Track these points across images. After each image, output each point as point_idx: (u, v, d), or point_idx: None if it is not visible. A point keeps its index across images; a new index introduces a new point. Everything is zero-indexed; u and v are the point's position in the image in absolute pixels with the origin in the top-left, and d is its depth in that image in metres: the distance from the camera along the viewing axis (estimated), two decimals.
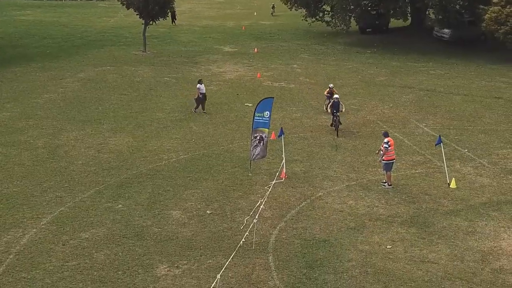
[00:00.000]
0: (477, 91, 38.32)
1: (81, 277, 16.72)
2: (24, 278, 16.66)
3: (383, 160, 22.85)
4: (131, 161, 25.38)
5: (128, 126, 30.09)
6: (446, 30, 52.69)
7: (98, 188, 22.62)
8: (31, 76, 40.54)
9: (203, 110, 32.08)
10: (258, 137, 23.85)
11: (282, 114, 31.75)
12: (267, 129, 23.86)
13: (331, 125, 29.58)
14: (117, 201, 21.49)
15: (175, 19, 61.24)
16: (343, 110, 29.38)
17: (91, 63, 44.91)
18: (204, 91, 31.95)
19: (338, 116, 28.74)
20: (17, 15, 68.46)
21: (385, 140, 22.78)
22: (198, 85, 31.96)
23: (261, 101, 24.03)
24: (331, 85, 32.97)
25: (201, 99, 32.00)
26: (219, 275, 15.51)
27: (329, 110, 30.57)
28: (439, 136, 24.25)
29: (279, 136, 24.70)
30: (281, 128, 25.19)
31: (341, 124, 28.86)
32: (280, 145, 24.75)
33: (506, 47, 45.91)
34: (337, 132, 28.67)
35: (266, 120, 23.76)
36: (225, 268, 16.50)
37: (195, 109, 32.18)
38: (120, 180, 23.34)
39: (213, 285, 15.36)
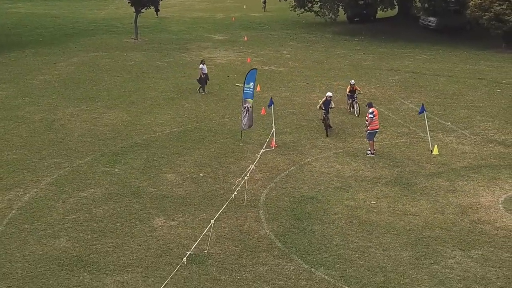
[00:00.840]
0: (461, 73, 39.40)
1: (81, 228, 17.59)
2: (27, 229, 17.50)
3: (368, 129, 23.81)
4: (125, 133, 26.24)
5: (122, 103, 30.93)
6: (432, 19, 53.83)
7: (94, 156, 23.49)
8: (26, 60, 41.29)
9: (203, 91, 32.79)
10: (246, 108, 24.80)
11: (272, 93, 32.61)
12: (251, 100, 24.81)
13: (322, 120, 27.24)
14: (113, 166, 22.37)
15: (158, 11, 61.81)
16: (333, 106, 26.87)
17: (83, 49, 45.70)
18: (206, 72, 32.79)
19: (328, 118, 26.38)
20: (8, 8, 69.05)
21: (370, 110, 23.76)
22: (201, 65, 32.80)
23: (248, 72, 24.97)
24: (352, 81, 29.46)
25: (204, 80, 32.79)
26: (212, 220, 16.42)
27: (347, 107, 29.67)
28: (422, 104, 25.28)
29: (269, 106, 25.60)
30: (271, 98, 26.12)
31: (331, 127, 26.61)
32: (270, 116, 25.62)
33: (490, 35, 47.02)
34: (327, 131, 26.38)
35: (251, 91, 24.75)
36: (218, 220, 17.38)
37: (202, 89, 32.84)
38: (116, 149, 24.22)
39: (206, 229, 16.24)
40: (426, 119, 24.83)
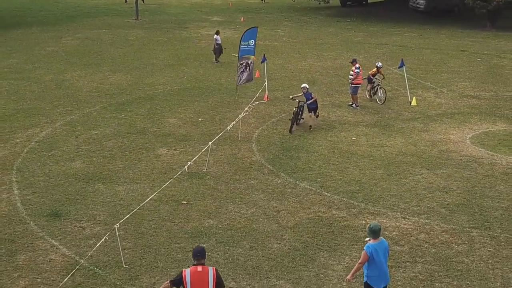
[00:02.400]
0: (445, 47, 41.74)
1: (94, 154, 19.93)
2: (46, 155, 19.82)
3: (353, 83, 26.12)
4: (130, 90, 28.56)
5: (125, 68, 33.24)
6: (421, 1, 56.22)
7: (102, 105, 25.81)
8: (33, 36, 43.54)
9: (216, 60, 35.03)
10: (244, 64, 27.00)
11: (266, 64, 34.82)
12: (252, 56, 27.05)
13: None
14: (120, 113, 24.70)
15: None
16: (315, 98, 22.89)
17: (87, 27, 47.94)
18: (220, 42, 34.99)
19: (302, 114, 23.13)
20: None
21: (357, 65, 26.03)
22: (215, 36, 35.01)
23: (246, 31, 27.18)
24: (379, 64, 26.65)
25: (218, 50, 35.05)
26: (210, 142, 18.76)
27: (366, 94, 27.06)
28: (402, 59, 27.61)
29: (261, 62, 27.89)
30: (264, 54, 28.42)
31: (311, 127, 22.86)
32: (264, 75, 27.88)
33: (476, 15, 49.40)
34: (292, 126, 22.50)
35: (251, 48, 26.93)
36: (214, 150, 19.68)
37: (216, 59, 35.05)
38: (122, 101, 26.54)
39: (204, 149, 18.59)
40: (405, 73, 27.13)
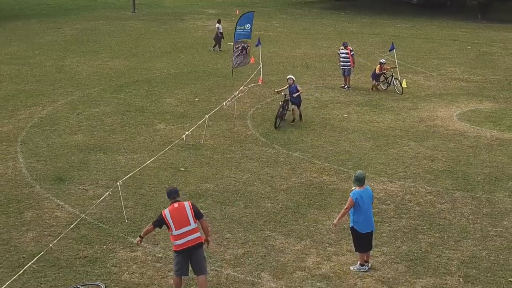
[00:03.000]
0: (437, 36, 42.64)
1: (95, 129, 20.74)
2: (48, 129, 20.63)
3: (346, 65, 26.91)
4: (128, 74, 29.38)
5: (123, 55, 34.05)
6: None
7: (102, 87, 26.62)
8: (32, 26, 44.32)
9: (220, 48, 35.82)
10: (240, 47, 27.86)
11: (261, 49, 35.65)
12: (249, 40, 27.89)
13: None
14: (119, 94, 25.51)
15: None
16: (301, 91, 21.71)
17: (85, 19, 48.72)
18: (222, 30, 35.78)
19: (286, 109, 21.72)
20: None
21: (350, 48, 26.85)
22: (217, 24, 35.83)
23: (242, 15, 28.00)
24: (382, 60, 26.26)
25: (219, 38, 35.85)
26: (207, 115, 19.60)
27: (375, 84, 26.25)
28: (392, 43, 28.47)
29: (256, 45, 28.71)
30: (258, 38, 29.25)
31: (298, 119, 21.67)
32: (258, 59, 28.69)
33: (468, 8, 50.31)
34: (277, 121, 21.17)
35: (248, 32, 27.79)
36: (210, 126, 20.48)
37: (218, 47, 35.86)
38: (121, 83, 27.35)
39: (200, 121, 19.42)
40: (395, 56, 27.97)
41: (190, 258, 10.50)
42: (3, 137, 19.58)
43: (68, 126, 20.84)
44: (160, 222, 10.51)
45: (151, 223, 10.80)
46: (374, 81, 26.31)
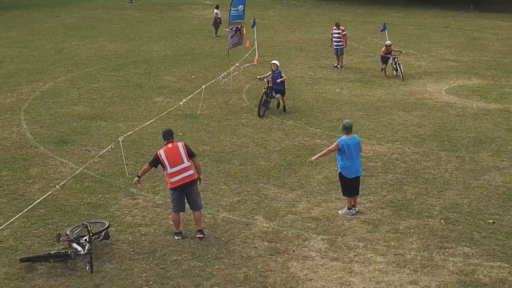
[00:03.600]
0: (429, 24, 43.44)
1: (95, 101, 21.49)
2: (50, 101, 21.37)
3: (339, 45, 27.69)
4: (126, 55, 30.12)
5: (121, 39, 34.78)
6: None
7: (101, 66, 27.36)
8: (31, 15, 45.00)
9: (216, 33, 36.53)
10: (234, 29, 28.57)
11: (256, 33, 36.41)
12: (242, 20, 28.62)
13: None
14: (118, 72, 26.25)
15: None
16: (285, 78, 20.41)
17: (83, 9, 49.42)
18: (220, 16, 36.45)
19: (269, 98, 20.14)
20: None
21: (343, 28, 27.63)
22: (215, 10, 36.52)
23: None
24: (388, 42, 25.78)
25: (218, 23, 36.55)
26: (204, 86, 20.35)
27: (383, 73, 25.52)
28: (384, 23, 29.24)
29: (252, 27, 29.44)
30: (254, 19, 30.01)
31: (285, 110, 20.25)
32: (253, 41, 29.42)
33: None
34: (260, 109, 19.78)
35: (241, 13, 28.46)
36: (206, 99, 21.22)
37: (215, 32, 36.55)
38: (119, 63, 28.09)
39: (197, 91, 20.18)
40: (387, 36, 28.75)
41: (185, 194, 11.28)
42: (6, 107, 20.32)
43: (69, 99, 21.56)
44: (156, 161, 11.29)
45: (147, 163, 11.56)
46: (383, 64, 25.73)
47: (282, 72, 20.27)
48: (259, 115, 19.64)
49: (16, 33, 36.07)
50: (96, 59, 28.77)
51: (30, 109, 20.14)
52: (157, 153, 11.37)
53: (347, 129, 12.39)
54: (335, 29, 27.23)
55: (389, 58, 25.59)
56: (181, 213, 11.58)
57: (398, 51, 25.83)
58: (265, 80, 20.55)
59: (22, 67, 26.64)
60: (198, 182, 11.54)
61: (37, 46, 32.02)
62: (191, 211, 11.65)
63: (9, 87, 23.10)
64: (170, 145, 11.36)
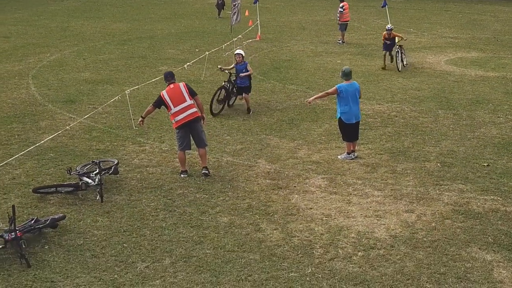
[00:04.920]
0: (430, 9, 43.87)
1: (101, 69, 21.95)
2: (57, 69, 21.85)
3: (340, 22, 28.17)
4: (131, 33, 30.58)
5: (125, 20, 35.26)
6: None
7: (105, 41, 27.83)
8: (33, 1, 45.53)
9: (219, 15, 37.00)
10: (236, 5, 29.05)
11: (258, 13, 36.90)
12: None
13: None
14: (123, 46, 26.71)
15: None
16: (251, 72, 17.11)
17: None
18: None
19: (229, 94, 16.97)
20: None
21: (341, 5, 28.09)
22: None
23: None
24: (389, 26, 22.37)
25: (220, 5, 37.00)
26: (207, 52, 20.79)
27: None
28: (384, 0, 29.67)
29: (254, 3, 29.90)
30: None
31: (250, 110, 16.84)
32: (255, 19, 29.87)
33: None
34: (222, 105, 16.86)
35: None
36: (211, 69, 21.67)
37: (218, 14, 37.06)
38: (124, 39, 28.56)
39: (201, 56, 20.63)
40: (387, 12, 29.16)
41: (190, 132, 11.73)
42: (14, 73, 20.84)
43: (76, 67, 22.05)
44: (159, 102, 11.74)
45: (151, 104, 12.00)
46: (385, 50, 22.60)
47: (248, 65, 16.65)
48: (212, 114, 16.07)
49: (21, 14, 36.57)
50: (101, 35, 29.24)
51: (38, 75, 20.62)
52: (160, 94, 11.82)
53: (347, 75, 12.84)
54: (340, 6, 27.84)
55: (392, 46, 22.41)
56: (186, 152, 12.02)
57: (400, 37, 22.49)
58: (226, 72, 17.19)
59: (29, 42, 27.12)
60: (202, 121, 11.97)
61: (42, 25, 32.51)
62: (196, 152, 12.04)
63: (17, 57, 23.58)
64: (172, 85, 11.81)
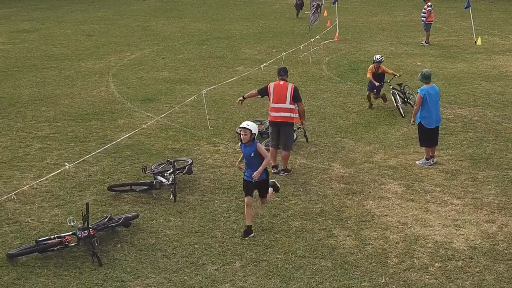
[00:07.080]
0: (438, 3, 42.38)
1: (180, 69, 22.12)
2: (136, 67, 22.25)
3: (426, 21, 27.45)
4: (209, 33, 31.03)
5: (205, 20, 35.69)
6: None
7: (185, 41, 28.30)
8: (115, 0, 46.63)
9: (297, 16, 36.96)
10: (315, 5, 28.83)
11: (337, 13, 36.56)
12: None
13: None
14: (201, 46, 26.94)
15: None
16: None
17: None
18: None
19: None
20: None
21: (429, 3, 27.34)
22: None
23: None
24: (377, 57, 16.88)
25: (299, 5, 37.01)
26: (284, 53, 20.68)
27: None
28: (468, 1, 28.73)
29: (333, 3, 29.58)
30: None
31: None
32: (333, 20, 29.56)
33: None
34: None
35: None
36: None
37: (297, 15, 37.15)
38: (203, 39, 28.84)
39: (278, 56, 20.52)
40: (471, 13, 28.29)
41: (279, 132, 11.72)
42: (95, 71, 21.36)
43: (155, 66, 22.38)
44: (264, 90, 11.95)
45: (256, 89, 12.33)
46: (368, 92, 16.82)
47: (258, 147, 10.19)
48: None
49: (104, 13, 37.52)
50: (180, 35, 29.63)
51: (117, 73, 21.04)
52: (268, 84, 12.08)
53: (427, 78, 12.46)
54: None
55: (381, 88, 16.60)
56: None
57: (392, 73, 16.89)
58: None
59: (110, 40, 27.74)
60: (302, 125, 12.48)
61: (124, 24, 33.22)
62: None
63: (98, 55, 24.14)
64: (281, 82, 11.90)
